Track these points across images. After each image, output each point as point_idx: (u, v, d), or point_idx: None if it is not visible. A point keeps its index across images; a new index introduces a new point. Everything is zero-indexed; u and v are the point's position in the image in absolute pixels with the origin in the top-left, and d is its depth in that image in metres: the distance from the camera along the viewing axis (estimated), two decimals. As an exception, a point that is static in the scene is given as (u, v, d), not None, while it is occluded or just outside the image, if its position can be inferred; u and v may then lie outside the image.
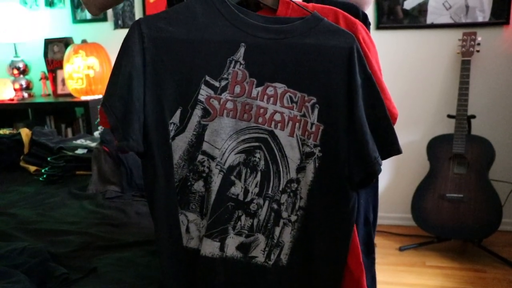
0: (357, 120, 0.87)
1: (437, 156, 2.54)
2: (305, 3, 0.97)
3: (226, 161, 0.90)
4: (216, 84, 0.88)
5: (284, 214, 0.91)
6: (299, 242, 0.92)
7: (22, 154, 2.17)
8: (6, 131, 2.40)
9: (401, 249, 2.59)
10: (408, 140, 2.82)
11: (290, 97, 0.89)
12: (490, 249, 2.45)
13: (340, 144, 0.89)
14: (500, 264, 2.38)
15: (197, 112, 0.89)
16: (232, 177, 0.90)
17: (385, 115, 0.90)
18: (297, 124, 0.89)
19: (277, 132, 0.90)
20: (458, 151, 2.46)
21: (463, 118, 2.47)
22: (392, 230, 2.82)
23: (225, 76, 0.88)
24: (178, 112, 0.89)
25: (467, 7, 2.61)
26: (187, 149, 0.89)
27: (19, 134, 2.21)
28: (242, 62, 0.88)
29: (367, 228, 1.07)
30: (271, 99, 0.89)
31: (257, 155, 0.90)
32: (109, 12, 3.13)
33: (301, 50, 0.88)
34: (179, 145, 0.89)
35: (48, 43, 3.17)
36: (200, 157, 0.89)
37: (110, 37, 3.12)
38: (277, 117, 0.89)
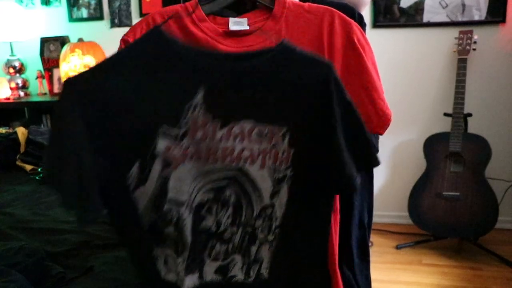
0: (336, 149, 0.82)
1: (434, 155, 2.54)
2: (301, 3, 0.97)
3: (194, 200, 0.85)
4: (175, 132, 0.81)
5: (260, 236, 0.88)
6: (278, 256, 0.89)
7: (18, 153, 2.16)
8: (2, 130, 2.40)
9: (397, 247, 2.59)
10: (404, 138, 2.82)
11: (259, 131, 0.83)
12: (486, 247, 2.46)
13: (313, 165, 0.85)
14: (496, 262, 2.39)
15: (157, 163, 0.81)
16: (203, 213, 0.86)
17: (366, 140, 0.86)
18: (268, 155, 0.85)
19: (247, 167, 0.84)
20: (454, 149, 2.47)
21: (459, 116, 2.47)
22: (389, 229, 2.82)
23: (184, 123, 0.81)
24: (136, 165, 0.81)
25: (463, 5, 2.61)
26: (151, 199, 0.83)
27: (15, 133, 2.21)
28: (203, 105, 0.81)
29: (361, 231, 1.07)
30: (238, 137, 0.83)
31: (227, 192, 0.85)
32: (106, 10, 3.12)
33: (271, 84, 0.82)
34: (142, 196, 0.82)
35: (44, 41, 3.16)
36: (166, 206, 0.83)
37: (107, 36, 3.11)
38: (246, 153, 0.84)
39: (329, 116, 0.81)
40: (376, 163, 0.88)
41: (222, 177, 0.84)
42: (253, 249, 0.88)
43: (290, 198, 0.86)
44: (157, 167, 0.81)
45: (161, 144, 0.80)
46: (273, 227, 0.88)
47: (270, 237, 0.88)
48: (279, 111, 0.83)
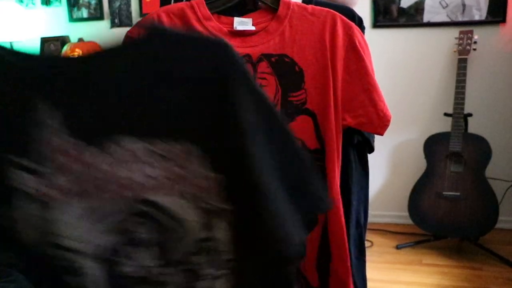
0: (253, 177, 0.62)
1: (434, 155, 2.54)
2: (304, 5, 0.98)
3: (96, 246, 0.66)
4: (31, 164, 0.62)
5: (206, 272, 0.69)
6: (238, 282, 0.71)
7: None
8: (2, 130, 2.40)
9: (398, 247, 2.59)
10: (405, 138, 2.82)
11: (152, 152, 0.63)
12: (486, 247, 2.46)
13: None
14: (496, 262, 2.39)
15: (21, 199, 0.62)
16: (115, 259, 0.67)
17: (302, 159, 0.67)
18: (181, 181, 0.65)
19: (154, 198, 0.65)
20: (454, 149, 2.47)
21: (459, 116, 2.47)
22: (389, 228, 2.82)
23: (37, 152, 0.62)
24: None
25: (463, 5, 2.61)
26: (30, 240, 0.65)
27: (16, 133, 2.21)
28: (57, 126, 0.61)
29: (358, 231, 1.08)
30: (128, 162, 0.63)
31: (138, 230, 0.66)
32: (106, 10, 3.12)
33: (146, 86, 0.61)
34: (21, 234, 0.65)
35: (45, 41, 3.16)
36: (56, 252, 0.65)
37: (107, 36, 3.11)
38: (149, 181, 0.64)
39: (236, 122, 0.61)
40: (323, 206, 0.69)
41: (126, 213, 0.65)
42: (200, 285, 0.69)
43: (236, 235, 0.67)
44: (23, 204, 0.63)
45: (18, 176, 0.62)
46: (224, 260, 0.69)
47: (223, 272, 0.69)
48: (172, 122, 0.62)
